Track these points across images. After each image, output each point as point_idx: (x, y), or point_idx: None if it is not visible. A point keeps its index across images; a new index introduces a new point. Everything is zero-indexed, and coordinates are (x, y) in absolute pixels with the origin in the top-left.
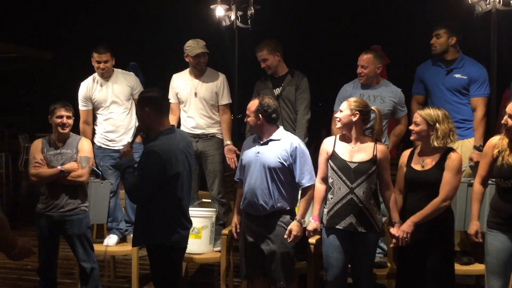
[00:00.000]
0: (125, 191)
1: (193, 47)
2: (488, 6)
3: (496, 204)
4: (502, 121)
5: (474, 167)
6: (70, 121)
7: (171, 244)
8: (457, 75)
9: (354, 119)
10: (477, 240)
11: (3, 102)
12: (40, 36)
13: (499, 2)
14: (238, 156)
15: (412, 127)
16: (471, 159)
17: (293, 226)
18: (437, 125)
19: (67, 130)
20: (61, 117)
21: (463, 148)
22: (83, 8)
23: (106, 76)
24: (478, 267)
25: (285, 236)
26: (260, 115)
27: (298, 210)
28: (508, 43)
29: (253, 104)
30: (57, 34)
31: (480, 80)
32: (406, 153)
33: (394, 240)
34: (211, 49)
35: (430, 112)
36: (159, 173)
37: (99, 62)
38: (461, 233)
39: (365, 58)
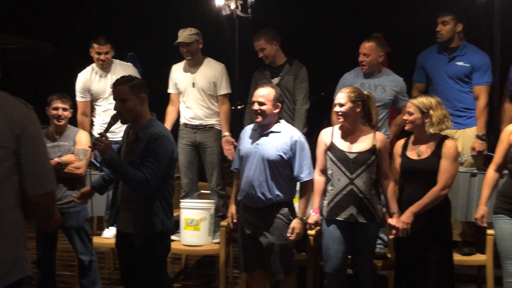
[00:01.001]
0: (133, 185)
1: (178, 36)
2: None
3: (506, 191)
4: None
5: (477, 156)
6: (67, 113)
7: (167, 230)
8: (460, 63)
9: (358, 109)
10: (482, 224)
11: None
12: (40, 27)
13: None
14: (235, 147)
15: (406, 116)
16: (473, 149)
17: (295, 224)
18: (431, 111)
19: (62, 122)
20: (57, 109)
21: (465, 138)
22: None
23: (105, 67)
24: (479, 258)
25: (288, 234)
26: (279, 104)
27: (299, 207)
28: (511, 30)
29: (269, 92)
30: (57, 25)
31: (482, 68)
32: (400, 143)
33: (394, 231)
34: (210, 38)
35: (423, 99)
36: (171, 158)
37: (99, 54)
38: (462, 224)
39: (367, 46)
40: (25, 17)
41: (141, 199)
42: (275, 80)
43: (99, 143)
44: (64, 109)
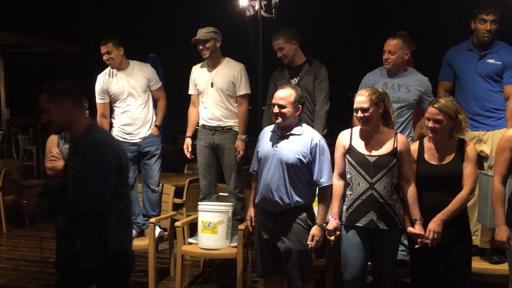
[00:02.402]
0: (82, 212)
1: (196, 34)
2: None
3: None
4: None
5: None
6: None
7: (126, 250)
8: (491, 60)
9: (380, 111)
10: (509, 247)
11: (35, 96)
12: (69, 31)
13: None
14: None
15: (431, 124)
16: None
17: (315, 231)
18: (459, 116)
19: None
20: None
21: (494, 140)
22: (108, 2)
23: (119, 67)
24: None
25: (308, 242)
26: (300, 106)
27: (318, 213)
28: None
29: (290, 93)
30: (85, 29)
31: None
32: (414, 148)
33: (419, 240)
34: (234, 39)
35: (447, 104)
36: (119, 165)
37: (103, 54)
38: (492, 231)
39: (392, 44)
40: (54, 21)
41: (90, 218)
42: (294, 81)
43: (24, 207)
44: None
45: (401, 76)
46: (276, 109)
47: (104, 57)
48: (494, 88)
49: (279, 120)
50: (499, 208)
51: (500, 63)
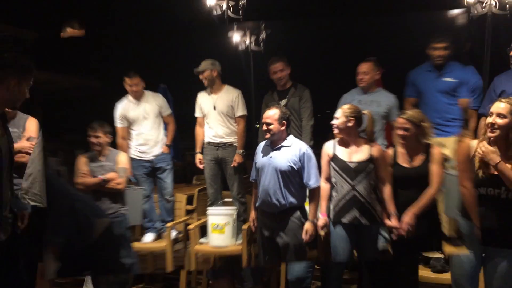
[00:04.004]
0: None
1: None
2: (484, 9)
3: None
4: (489, 121)
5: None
6: (98, 140)
7: None
8: (447, 79)
9: (350, 124)
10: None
11: (64, 122)
12: (87, 66)
13: (495, 5)
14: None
15: (401, 132)
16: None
17: (308, 226)
18: (422, 123)
19: (95, 147)
20: (90, 136)
21: (452, 144)
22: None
23: (138, 96)
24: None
25: (303, 236)
26: (284, 121)
27: (309, 211)
28: (502, 46)
29: (274, 112)
30: (103, 65)
31: (470, 83)
32: (390, 153)
33: (396, 232)
34: (229, 70)
35: (412, 114)
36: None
37: (131, 86)
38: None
39: (366, 66)
40: (74, 56)
41: None
42: (283, 102)
43: None
44: (96, 137)
45: (372, 94)
46: (264, 127)
47: (133, 88)
48: (451, 101)
49: (268, 135)
50: (475, 213)
51: (456, 80)
